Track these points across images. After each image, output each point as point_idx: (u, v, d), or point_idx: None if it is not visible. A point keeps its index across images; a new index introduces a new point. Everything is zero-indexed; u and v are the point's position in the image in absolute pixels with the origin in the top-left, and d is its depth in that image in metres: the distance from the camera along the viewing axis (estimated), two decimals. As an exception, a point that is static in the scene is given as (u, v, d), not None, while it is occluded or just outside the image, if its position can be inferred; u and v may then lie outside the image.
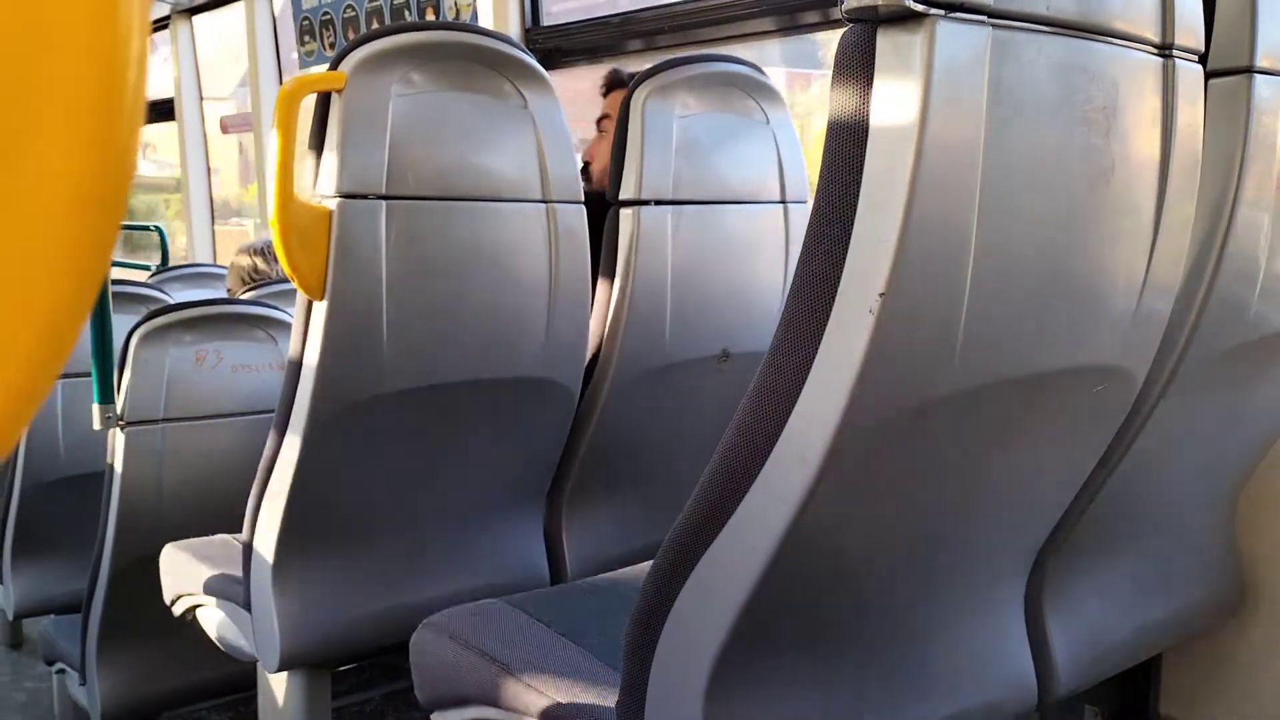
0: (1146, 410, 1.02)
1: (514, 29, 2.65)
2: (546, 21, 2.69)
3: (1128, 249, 0.87)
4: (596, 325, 1.59)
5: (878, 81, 0.71)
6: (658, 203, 1.56)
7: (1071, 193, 0.80)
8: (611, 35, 2.51)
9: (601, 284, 1.58)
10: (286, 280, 2.36)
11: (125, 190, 0.22)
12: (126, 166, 0.22)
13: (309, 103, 1.32)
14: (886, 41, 0.70)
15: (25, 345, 0.22)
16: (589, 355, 1.61)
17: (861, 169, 0.72)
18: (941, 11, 0.69)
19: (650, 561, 0.89)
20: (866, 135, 0.71)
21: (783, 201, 1.72)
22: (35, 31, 0.20)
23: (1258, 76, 0.96)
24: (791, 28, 2.12)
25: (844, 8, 0.71)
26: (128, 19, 0.21)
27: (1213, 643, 1.39)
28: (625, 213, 1.55)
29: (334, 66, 1.32)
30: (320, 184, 1.31)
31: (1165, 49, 0.85)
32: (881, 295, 0.71)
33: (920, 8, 0.68)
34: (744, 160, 1.69)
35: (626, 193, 1.54)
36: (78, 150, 0.21)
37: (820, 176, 0.74)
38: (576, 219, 1.52)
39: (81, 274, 0.22)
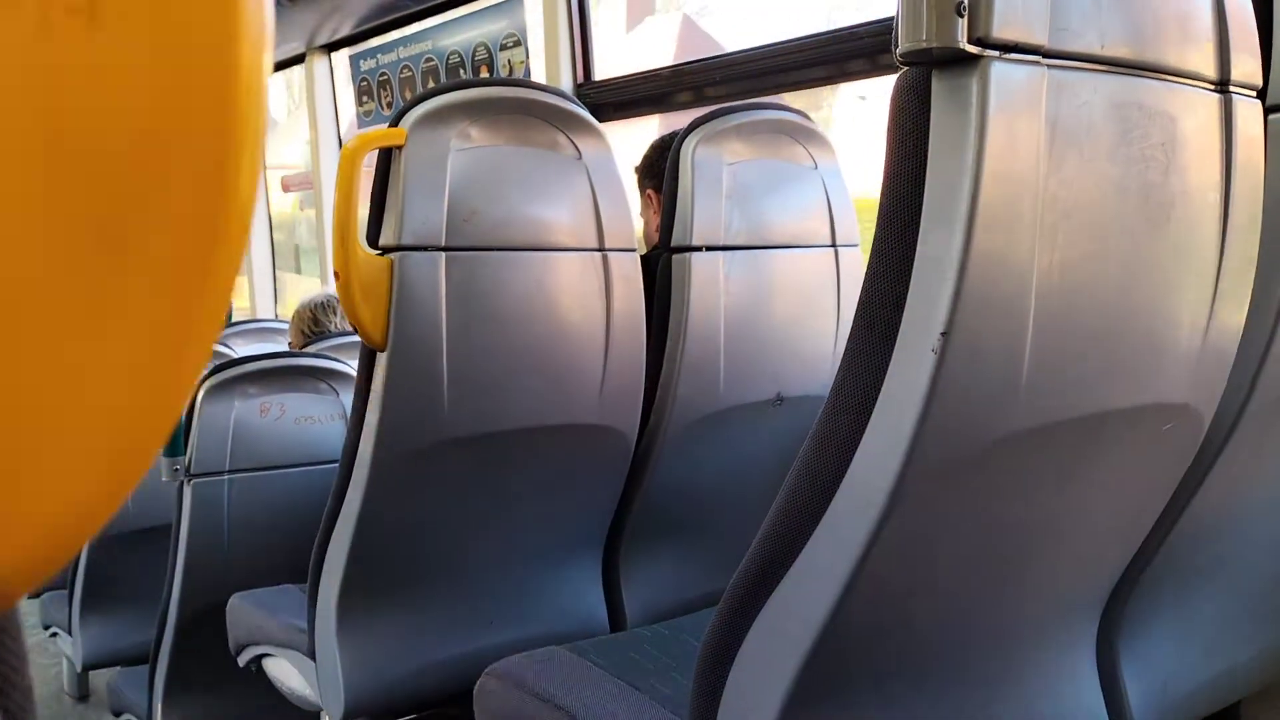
0: (1215, 449, 1.00)
1: (566, 83, 2.70)
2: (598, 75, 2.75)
3: (1191, 285, 0.86)
4: (651, 371, 1.60)
5: (934, 123, 0.71)
6: (709, 248, 1.57)
7: (1132, 230, 0.80)
8: (661, 88, 2.55)
9: (655, 330, 1.59)
10: (345, 333, 2.42)
11: (233, 281, 0.23)
12: (245, 229, 0.23)
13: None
14: (941, 84, 0.71)
15: (131, 422, 0.23)
16: (644, 402, 1.62)
17: (919, 210, 0.72)
18: (996, 53, 0.69)
19: (711, 608, 0.89)
20: (924, 177, 0.72)
21: (833, 245, 1.73)
22: (159, 119, 0.21)
23: None
24: (839, 76, 2.14)
25: (898, 51, 0.72)
26: (248, 100, 0.22)
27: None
28: (678, 259, 1.56)
29: (395, 123, 1.36)
30: (382, 237, 1.34)
31: (1223, 85, 0.85)
32: (943, 335, 0.71)
33: (974, 50, 0.69)
34: (794, 205, 1.70)
35: (678, 240, 1.56)
36: (193, 236, 0.22)
37: (878, 218, 0.75)
38: (631, 266, 1.54)
39: (191, 355, 0.23)
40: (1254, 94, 0.89)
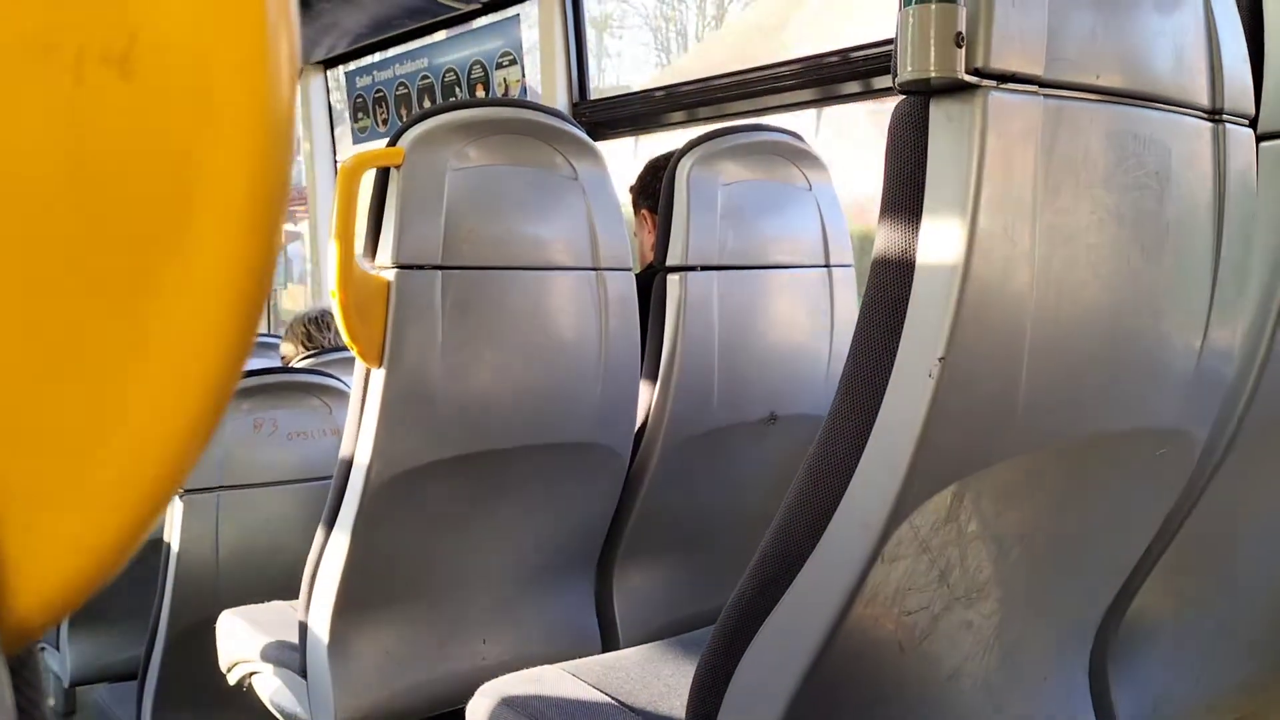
0: (1208, 473, 1.00)
1: (562, 103, 2.72)
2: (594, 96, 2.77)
3: (1185, 311, 0.87)
4: (645, 390, 1.61)
5: (932, 151, 0.72)
6: (704, 268, 1.58)
7: (1127, 257, 0.81)
8: (656, 107, 2.56)
9: (649, 349, 1.59)
10: (338, 348, 2.42)
11: (258, 316, 0.23)
12: (271, 264, 0.23)
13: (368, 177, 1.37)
14: (940, 112, 0.72)
15: (176, 427, 0.23)
16: (638, 420, 1.62)
17: (917, 236, 0.73)
18: (993, 82, 0.70)
19: (705, 627, 0.89)
20: (921, 203, 0.73)
21: (826, 265, 1.74)
22: (192, 130, 0.22)
23: None
24: (833, 99, 2.15)
25: (897, 80, 0.73)
26: (275, 143, 0.22)
27: (1286, 713, 1.34)
28: (672, 279, 1.57)
29: (393, 143, 1.36)
30: (379, 255, 1.35)
31: (1215, 114, 0.86)
32: (940, 360, 0.71)
33: (972, 79, 0.70)
34: (788, 225, 1.71)
35: (673, 259, 1.57)
36: (230, 244, 0.22)
37: (876, 244, 0.76)
38: (626, 285, 1.55)
39: (219, 388, 0.23)
40: (1245, 123, 0.90)
